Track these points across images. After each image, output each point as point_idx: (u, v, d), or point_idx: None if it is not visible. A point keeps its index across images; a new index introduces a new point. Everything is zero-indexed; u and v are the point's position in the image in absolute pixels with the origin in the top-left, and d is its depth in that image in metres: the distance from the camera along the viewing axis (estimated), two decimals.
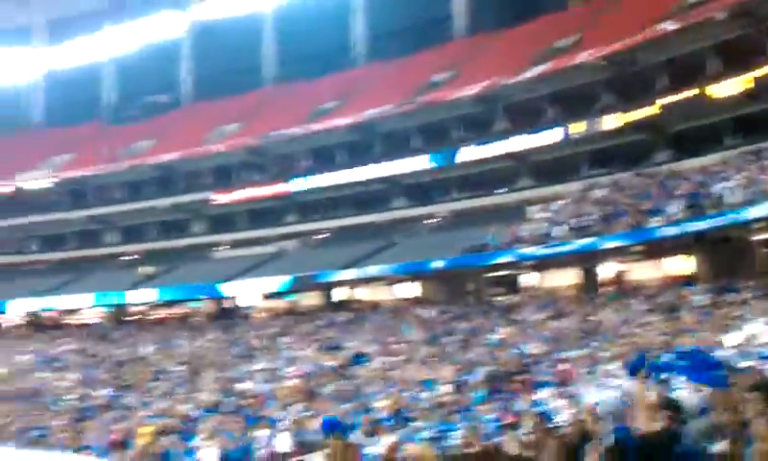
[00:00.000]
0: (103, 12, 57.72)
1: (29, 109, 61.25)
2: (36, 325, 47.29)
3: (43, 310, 47.08)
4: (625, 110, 33.43)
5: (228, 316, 40.49)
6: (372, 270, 35.65)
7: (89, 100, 58.76)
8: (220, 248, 47.41)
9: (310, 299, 39.61)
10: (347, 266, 36.74)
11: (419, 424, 17.84)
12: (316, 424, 19.63)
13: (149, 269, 44.81)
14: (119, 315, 45.52)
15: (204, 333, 37.37)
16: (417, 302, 35.68)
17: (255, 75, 54.10)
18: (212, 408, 24.81)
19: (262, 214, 45.69)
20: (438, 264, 32.89)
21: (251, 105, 50.40)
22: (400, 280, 37.25)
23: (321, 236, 44.34)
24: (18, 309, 47.48)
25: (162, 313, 45.71)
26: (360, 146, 42.64)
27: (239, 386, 27.12)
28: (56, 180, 51.05)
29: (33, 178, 51.58)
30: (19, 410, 29.79)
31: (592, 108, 35.29)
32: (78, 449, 24.10)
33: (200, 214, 47.98)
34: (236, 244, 46.22)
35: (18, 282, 49.41)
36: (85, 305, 45.57)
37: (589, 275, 31.29)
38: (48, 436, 25.90)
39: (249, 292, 40.01)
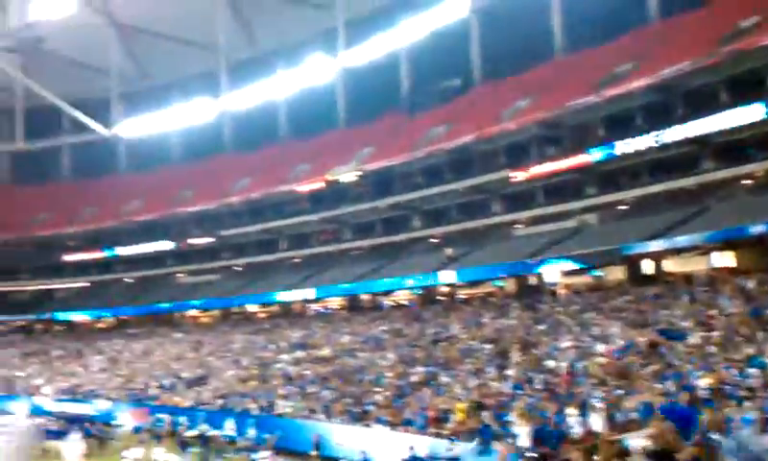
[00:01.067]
0: (394, 6, 60.48)
1: (333, 107, 65.94)
2: (355, 307, 51.04)
3: (360, 293, 50.66)
4: None
5: (531, 293, 40.37)
6: (682, 239, 33.51)
7: (386, 93, 61.89)
8: (520, 225, 47.40)
9: (615, 273, 38.21)
10: (653, 237, 34.88)
11: (746, 403, 16.40)
12: (631, 402, 18.94)
13: (452, 250, 46.08)
14: (428, 296, 47.47)
15: (508, 311, 37.60)
16: (735, 271, 32.90)
17: (543, 47, 53.32)
18: (522, 385, 24.91)
19: (560, 188, 44.80)
20: (758, 229, 30.04)
21: (540, 78, 49.74)
22: (715, 249, 34.62)
23: (623, 207, 42.54)
24: (340, 293, 51.55)
25: (467, 292, 46.89)
26: (661, 108, 40.14)
27: (548, 363, 26.91)
28: (361, 172, 54.37)
29: (341, 172, 55.40)
30: (344, 388, 32.19)
31: None
32: (399, 424, 25.49)
33: (498, 193, 48.36)
34: (536, 221, 45.94)
35: (336, 269, 53.85)
36: (397, 288, 48.17)
37: None
38: (371, 412, 27.65)
39: (552, 269, 39.52)
